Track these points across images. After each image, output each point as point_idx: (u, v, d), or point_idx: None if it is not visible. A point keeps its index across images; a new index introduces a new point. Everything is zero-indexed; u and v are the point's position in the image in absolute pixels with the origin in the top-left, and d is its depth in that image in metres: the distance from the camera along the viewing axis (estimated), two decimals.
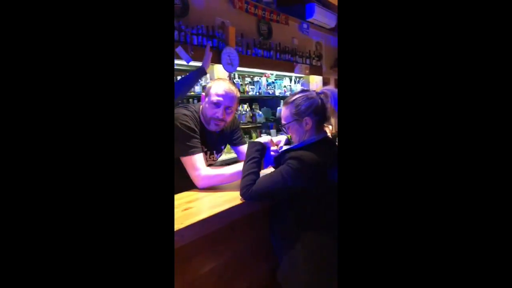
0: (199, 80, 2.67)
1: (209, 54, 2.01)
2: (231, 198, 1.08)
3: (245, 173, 1.08)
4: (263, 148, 1.13)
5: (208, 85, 1.36)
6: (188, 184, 1.23)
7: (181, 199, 1.09)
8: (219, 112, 1.29)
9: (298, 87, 4.05)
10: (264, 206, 1.13)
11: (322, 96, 1.09)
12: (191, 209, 1.00)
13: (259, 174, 1.08)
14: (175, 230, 0.83)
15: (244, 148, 1.53)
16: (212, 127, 1.34)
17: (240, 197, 1.06)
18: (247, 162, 1.10)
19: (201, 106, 1.37)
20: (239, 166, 1.20)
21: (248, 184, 1.04)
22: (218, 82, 1.34)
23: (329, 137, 1.11)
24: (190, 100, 2.80)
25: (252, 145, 1.14)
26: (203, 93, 1.36)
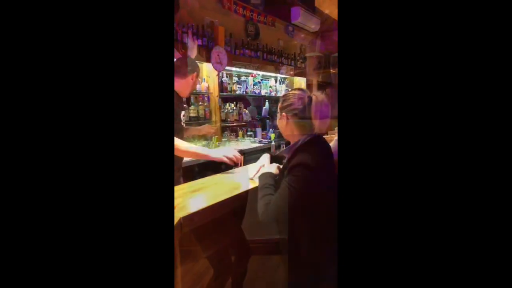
0: None
1: (193, 43, 2.14)
2: (232, 188, 1.16)
3: (260, 196, 1.03)
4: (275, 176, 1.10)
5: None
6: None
7: (185, 189, 1.16)
8: None
9: (283, 88, 4.16)
10: None
11: (311, 98, 1.05)
12: (195, 198, 1.07)
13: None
14: (182, 216, 0.90)
15: None
16: None
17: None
18: (262, 188, 1.05)
19: None
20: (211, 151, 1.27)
21: (266, 203, 1.00)
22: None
23: (319, 139, 1.08)
24: None
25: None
26: None
